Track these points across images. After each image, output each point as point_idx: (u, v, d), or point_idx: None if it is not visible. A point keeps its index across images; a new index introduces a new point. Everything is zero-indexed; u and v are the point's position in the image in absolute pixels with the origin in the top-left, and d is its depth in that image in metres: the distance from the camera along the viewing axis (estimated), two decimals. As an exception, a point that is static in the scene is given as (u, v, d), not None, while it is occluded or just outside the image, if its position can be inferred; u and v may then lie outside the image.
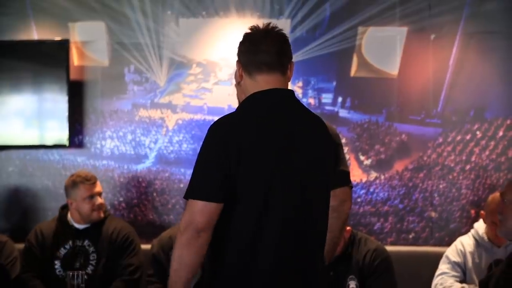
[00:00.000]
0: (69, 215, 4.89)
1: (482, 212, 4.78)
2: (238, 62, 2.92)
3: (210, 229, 2.68)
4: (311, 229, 2.80)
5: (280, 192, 2.71)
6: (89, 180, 4.85)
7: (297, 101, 2.90)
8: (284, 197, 2.72)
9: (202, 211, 2.65)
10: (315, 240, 2.82)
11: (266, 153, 2.71)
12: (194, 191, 2.69)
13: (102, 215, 4.87)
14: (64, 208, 4.94)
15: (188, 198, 2.69)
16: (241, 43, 2.91)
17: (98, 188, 4.88)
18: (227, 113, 2.87)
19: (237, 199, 2.69)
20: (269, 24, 2.89)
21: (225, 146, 2.67)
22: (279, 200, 2.71)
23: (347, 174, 3.39)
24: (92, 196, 4.82)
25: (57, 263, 4.80)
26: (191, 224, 2.65)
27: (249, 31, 2.91)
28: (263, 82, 2.84)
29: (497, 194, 4.69)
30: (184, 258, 2.69)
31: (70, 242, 4.82)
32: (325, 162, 2.89)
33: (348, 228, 4.47)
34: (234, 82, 3.78)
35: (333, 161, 3.01)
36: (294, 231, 2.74)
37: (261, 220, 2.69)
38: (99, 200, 4.85)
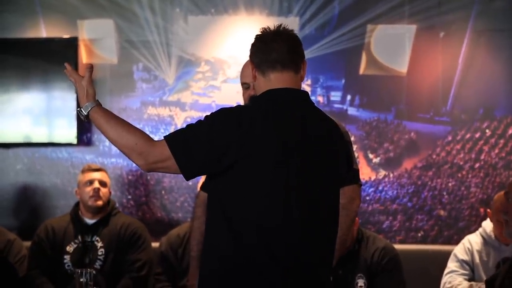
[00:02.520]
0: (80, 211, 4.91)
1: (488, 210, 4.76)
2: (251, 63, 2.90)
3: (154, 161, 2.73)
4: (318, 228, 2.78)
5: (284, 191, 2.69)
6: (92, 167, 4.92)
7: (310, 103, 2.88)
8: (290, 195, 2.70)
9: (167, 158, 2.70)
10: (322, 239, 2.80)
11: (271, 150, 2.68)
12: (176, 141, 2.71)
13: (99, 203, 4.84)
14: (77, 205, 4.94)
15: (168, 141, 2.71)
16: (252, 44, 2.89)
17: (100, 176, 4.89)
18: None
19: (241, 192, 2.67)
20: (280, 25, 2.89)
21: (229, 133, 2.67)
22: (284, 197, 2.69)
23: (356, 172, 3.39)
24: (91, 182, 4.84)
25: (66, 258, 4.80)
26: (145, 151, 2.71)
27: (260, 32, 2.90)
28: (276, 80, 2.83)
29: (503, 193, 4.68)
30: None
31: (79, 237, 4.82)
32: (335, 164, 2.86)
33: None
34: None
35: (345, 163, 2.97)
36: (300, 229, 2.72)
37: (266, 218, 2.67)
38: (96, 185, 4.84)
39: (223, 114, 2.74)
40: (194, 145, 2.68)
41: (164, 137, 2.74)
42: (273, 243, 2.67)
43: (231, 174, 2.68)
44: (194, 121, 2.78)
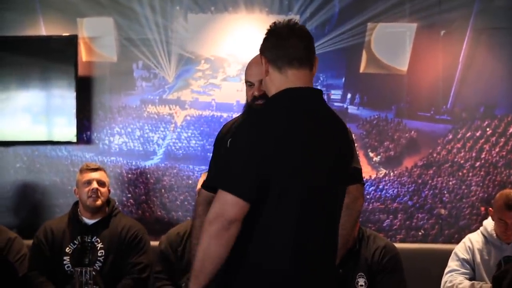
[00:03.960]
0: (79, 210, 4.89)
1: (490, 209, 4.75)
2: (263, 57, 2.89)
3: (240, 221, 2.63)
4: (332, 227, 2.83)
5: (311, 192, 2.71)
6: (90, 167, 4.88)
7: (324, 101, 2.91)
8: (315, 196, 2.72)
9: (234, 204, 2.61)
10: (333, 239, 2.84)
11: (302, 153, 2.70)
12: (228, 183, 2.64)
13: (98, 203, 4.82)
14: (77, 204, 4.93)
15: (221, 188, 2.65)
16: (265, 39, 2.89)
17: (98, 175, 4.86)
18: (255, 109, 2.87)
19: (270, 198, 2.66)
20: (290, 20, 2.89)
21: (265, 144, 2.64)
22: (311, 199, 2.71)
23: (359, 171, 3.39)
24: (89, 182, 4.82)
25: (66, 259, 4.79)
26: (221, 215, 2.60)
27: (271, 27, 2.89)
28: (293, 77, 2.82)
29: (505, 191, 4.67)
30: (211, 249, 2.63)
31: (79, 238, 4.80)
32: (344, 163, 2.90)
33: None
34: (243, 78, 3.78)
35: (351, 163, 3.01)
36: (321, 229, 2.75)
37: (291, 218, 2.68)
38: (94, 185, 4.82)
39: (252, 133, 2.70)
40: (244, 175, 2.64)
41: (217, 186, 2.69)
42: (300, 243, 2.69)
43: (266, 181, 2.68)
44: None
